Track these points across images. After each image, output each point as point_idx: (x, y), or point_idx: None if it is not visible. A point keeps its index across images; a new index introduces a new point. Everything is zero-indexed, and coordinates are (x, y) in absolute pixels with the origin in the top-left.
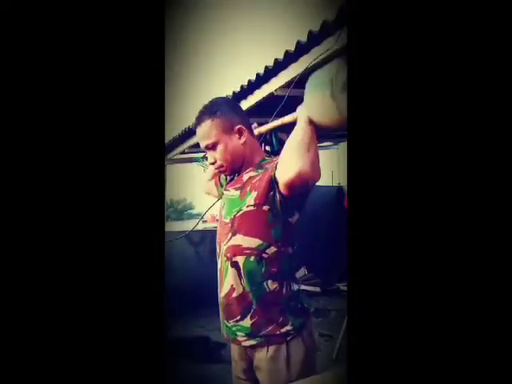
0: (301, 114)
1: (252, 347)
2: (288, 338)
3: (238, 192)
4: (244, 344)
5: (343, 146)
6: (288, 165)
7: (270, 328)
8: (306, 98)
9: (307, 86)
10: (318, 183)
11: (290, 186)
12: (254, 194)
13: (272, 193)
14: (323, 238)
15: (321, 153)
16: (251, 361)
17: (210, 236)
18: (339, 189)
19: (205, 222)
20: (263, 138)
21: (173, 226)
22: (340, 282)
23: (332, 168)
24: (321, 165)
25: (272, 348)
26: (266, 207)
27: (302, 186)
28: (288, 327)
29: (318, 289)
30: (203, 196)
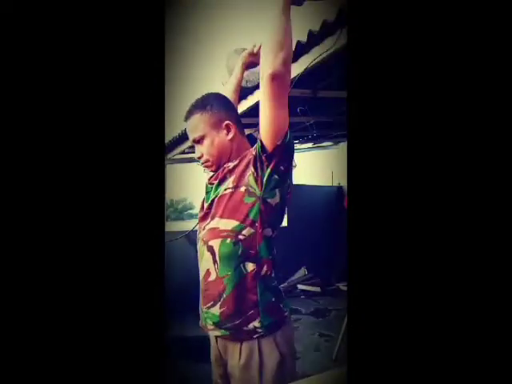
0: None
1: (225, 347)
2: (255, 336)
3: (217, 181)
4: (211, 333)
5: (343, 146)
6: (263, 120)
7: (237, 321)
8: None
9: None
10: (317, 183)
11: (269, 136)
12: (232, 177)
13: (249, 173)
14: (323, 238)
15: (321, 153)
16: (226, 367)
17: None
18: (339, 189)
19: None
20: (248, 137)
21: (173, 226)
22: (340, 282)
23: (332, 168)
24: (321, 165)
25: (244, 355)
26: (242, 188)
27: (278, 135)
28: (255, 323)
29: (318, 289)
30: (203, 196)
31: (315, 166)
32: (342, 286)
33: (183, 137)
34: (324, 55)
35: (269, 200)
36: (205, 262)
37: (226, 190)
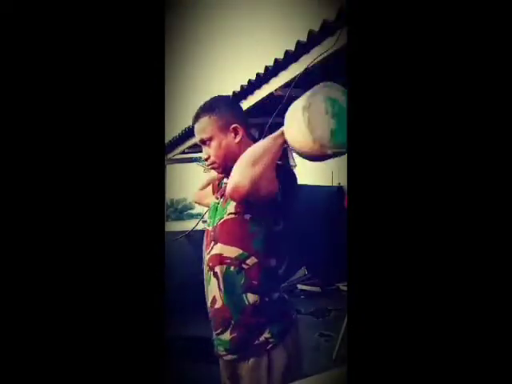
0: (278, 130)
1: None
2: (268, 347)
3: (221, 199)
4: (225, 358)
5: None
6: (230, 177)
7: (248, 340)
8: (286, 118)
9: (290, 108)
10: (318, 183)
11: (232, 198)
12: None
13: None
14: (323, 238)
15: None
16: (234, 369)
17: None
18: (339, 189)
19: (205, 222)
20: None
21: (173, 226)
22: (340, 282)
23: (332, 168)
24: (321, 165)
25: (252, 358)
26: (247, 216)
27: (241, 198)
28: (266, 334)
29: (318, 289)
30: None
31: (315, 166)
32: (342, 286)
33: (183, 137)
34: (324, 55)
35: (273, 228)
36: (211, 288)
37: (229, 214)
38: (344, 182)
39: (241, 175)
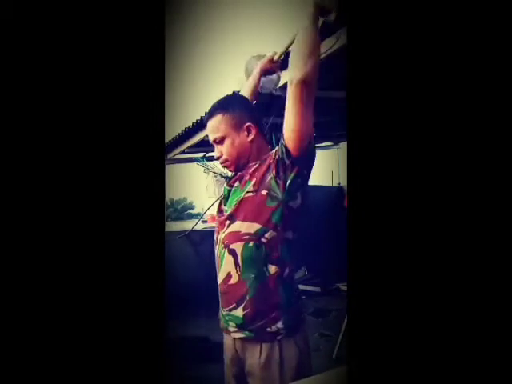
0: (287, 77)
1: (243, 347)
2: (278, 338)
3: (238, 183)
4: (233, 335)
5: (343, 146)
6: (288, 125)
7: (261, 322)
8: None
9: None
10: (318, 183)
11: (295, 141)
12: (253, 180)
13: (270, 176)
14: (323, 238)
15: (321, 153)
16: (243, 366)
17: (209, 236)
18: (339, 189)
19: (204, 221)
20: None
21: (173, 226)
22: (340, 282)
23: (332, 168)
24: (321, 165)
25: (264, 353)
26: (264, 191)
27: (304, 140)
28: (279, 325)
29: (317, 289)
30: (203, 196)
31: (315, 166)
32: (342, 286)
33: (183, 137)
34: (324, 55)
35: (290, 203)
36: (226, 265)
37: (247, 193)
38: (344, 182)
39: (303, 119)
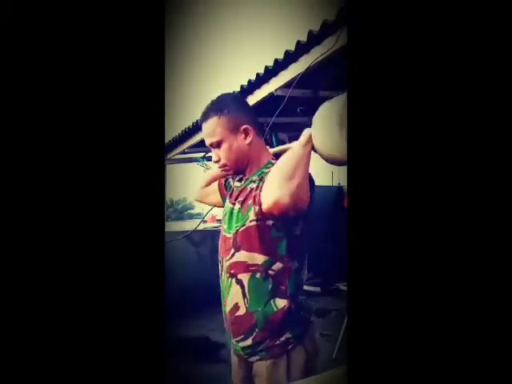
0: (304, 135)
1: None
2: (289, 347)
3: (239, 206)
4: (247, 359)
5: None
6: (267, 192)
7: (270, 343)
8: (314, 121)
9: (319, 110)
10: (318, 183)
11: (270, 212)
12: (256, 208)
13: None
14: (323, 238)
15: None
16: (250, 369)
17: (210, 236)
18: (339, 189)
19: (205, 222)
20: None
21: (173, 226)
22: (340, 282)
23: (332, 168)
24: (321, 165)
25: (272, 359)
26: (269, 222)
27: (282, 213)
28: (287, 335)
29: (317, 289)
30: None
31: (315, 166)
32: (342, 286)
33: (183, 137)
34: (324, 55)
35: (294, 231)
36: (233, 295)
37: (251, 221)
38: (344, 182)
39: (280, 190)
